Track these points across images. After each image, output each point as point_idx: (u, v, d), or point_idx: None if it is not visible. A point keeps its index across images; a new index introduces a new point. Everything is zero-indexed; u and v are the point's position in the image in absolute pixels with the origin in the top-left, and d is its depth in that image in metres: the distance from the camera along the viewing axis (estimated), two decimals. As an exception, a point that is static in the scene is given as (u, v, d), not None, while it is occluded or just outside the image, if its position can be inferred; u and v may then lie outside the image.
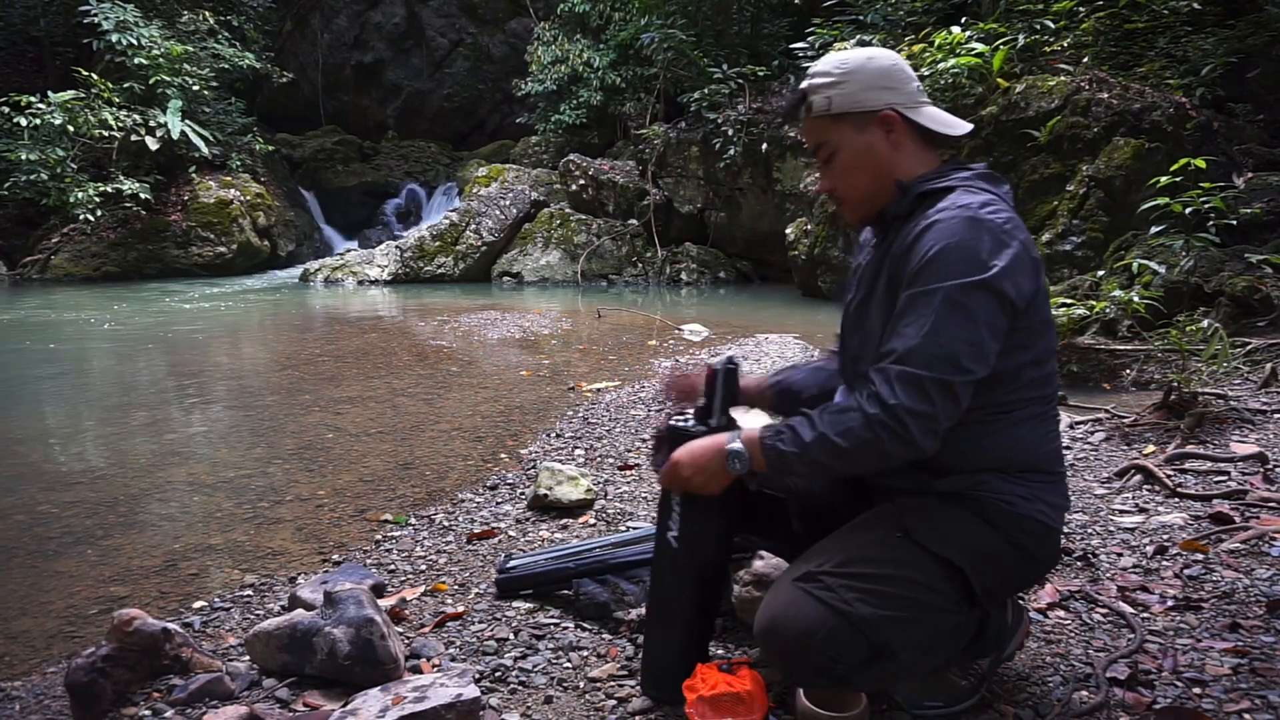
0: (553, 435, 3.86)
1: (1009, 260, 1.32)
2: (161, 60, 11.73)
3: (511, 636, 1.90)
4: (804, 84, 1.51)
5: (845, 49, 1.62)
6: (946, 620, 1.38)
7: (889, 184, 1.48)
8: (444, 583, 2.25)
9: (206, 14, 13.20)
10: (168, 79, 11.81)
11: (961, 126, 1.51)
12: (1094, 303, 4.46)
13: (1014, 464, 1.43)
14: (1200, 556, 2.16)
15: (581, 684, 1.70)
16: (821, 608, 1.31)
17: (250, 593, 2.31)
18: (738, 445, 1.43)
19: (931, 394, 1.30)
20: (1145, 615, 1.88)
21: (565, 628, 1.94)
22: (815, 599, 1.32)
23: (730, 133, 10.24)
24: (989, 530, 1.40)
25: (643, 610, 1.99)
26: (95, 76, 11.43)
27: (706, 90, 10.47)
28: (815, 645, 1.31)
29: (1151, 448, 3.11)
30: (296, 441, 3.86)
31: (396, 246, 12.25)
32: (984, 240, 1.33)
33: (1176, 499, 2.60)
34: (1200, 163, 4.28)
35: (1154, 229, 4.80)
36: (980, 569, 1.38)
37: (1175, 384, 3.36)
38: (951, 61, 6.77)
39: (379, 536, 2.71)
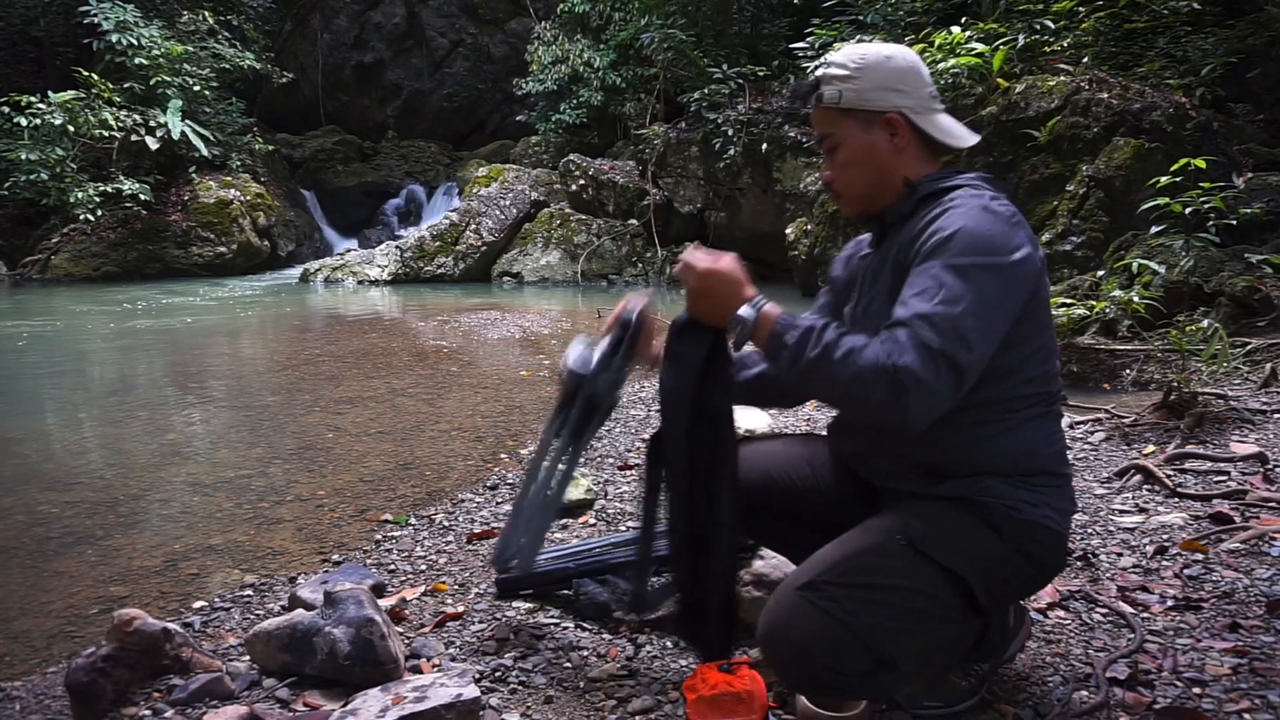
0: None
1: (1021, 252, 1.33)
2: (161, 60, 11.74)
3: (511, 636, 1.90)
4: (820, 72, 1.52)
5: (866, 43, 1.62)
6: (949, 630, 1.37)
7: (889, 184, 1.48)
8: (444, 583, 2.25)
9: (206, 14, 13.21)
10: (168, 79, 11.82)
11: (969, 138, 1.51)
12: (1094, 303, 4.46)
13: (1019, 467, 1.41)
14: (1200, 556, 2.16)
15: (581, 684, 1.69)
16: (824, 618, 1.30)
17: (250, 593, 2.31)
18: (749, 311, 1.37)
19: (940, 367, 1.22)
20: (1145, 615, 1.88)
21: (565, 628, 1.93)
22: (818, 609, 1.30)
23: (730, 133, 10.24)
24: (994, 537, 1.39)
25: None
26: (95, 76, 11.44)
27: (706, 90, 10.47)
28: (817, 656, 1.30)
29: (1151, 448, 3.11)
30: (296, 441, 3.86)
31: (396, 246, 12.25)
32: (1000, 229, 1.33)
33: (1176, 499, 2.60)
34: (1200, 163, 4.28)
35: (1154, 229, 4.80)
36: (985, 578, 1.36)
37: (1175, 384, 3.36)
38: (951, 61, 6.76)
39: (379, 536, 2.71)
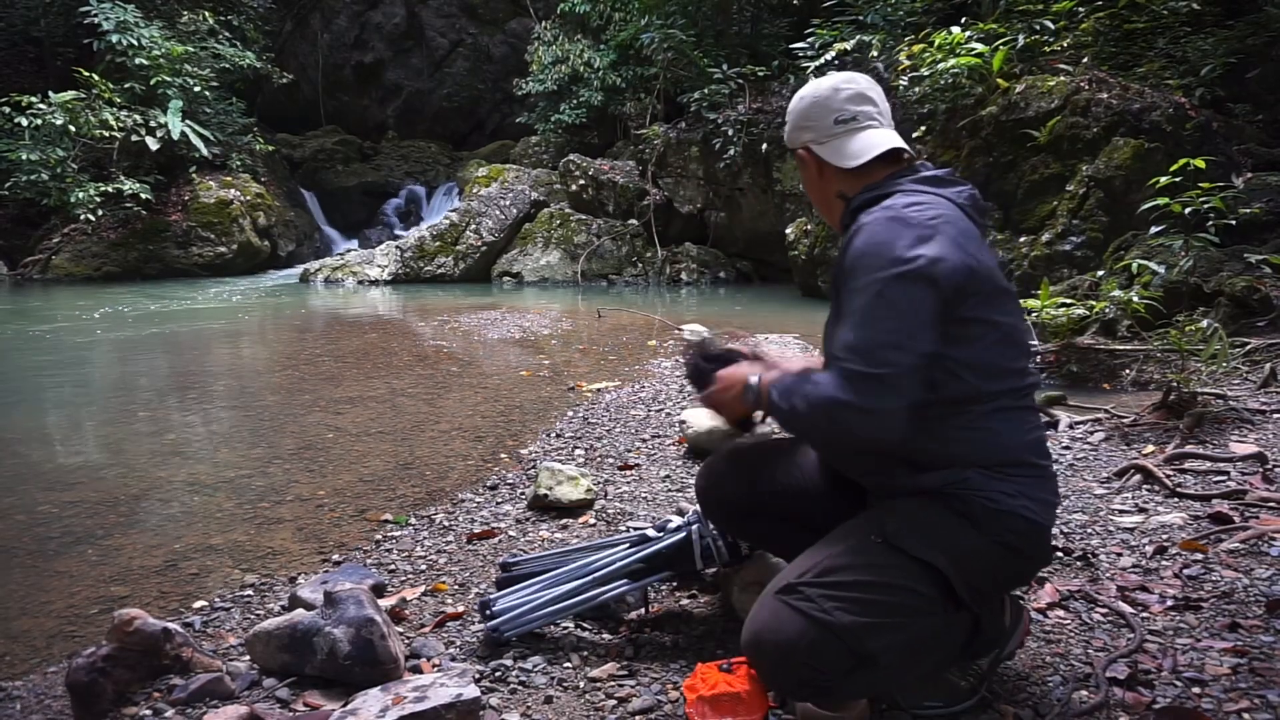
0: (553, 435, 3.87)
1: (933, 252, 1.35)
2: (162, 60, 11.74)
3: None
4: None
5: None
6: (930, 624, 1.38)
7: (832, 203, 1.62)
8: (444, 583, 2.25)
9: (206, 14, 13.21)
10: (168, 79, 11.82)
11: (869, 152, 1.52)
12: (1094, 303, 4.47)
13: (995, 458, 1.43)
14: (1200, 556, 2.16)
15: (581, 684, 1.70)
16: (802, 619, 1.31)
17: (250, 593, 2.31)
18: (755, 380, 1.56)
19: (866, 388, 1.34)
20: (1145, 615, 1.89)
21: (565, 628, 1.94)
22: (795, 611, 1.32)
23: (730, 133, 10.24)
24: (972, 529, 1.40)
25: (642, 611, 2.00)
26: (96, 77, 11.44)
27: (706, 90, 10.48)
28: (798, 657, 1.31)
29: (1151, 448, 3.11)
30: (296, 441, 3.86)
31: (396, 246, 12.25)
32: (902, 236, 1.37)
33: (1176, 499, 2.60)
34: (1200, 163, 4.28)
35: (1154, 229, 4.80)
36: (964, 570, 1.37)
37: (1175, 384, 3.36)
38: (951, 61, 6.77)
39: (379, 536, 2.71)
